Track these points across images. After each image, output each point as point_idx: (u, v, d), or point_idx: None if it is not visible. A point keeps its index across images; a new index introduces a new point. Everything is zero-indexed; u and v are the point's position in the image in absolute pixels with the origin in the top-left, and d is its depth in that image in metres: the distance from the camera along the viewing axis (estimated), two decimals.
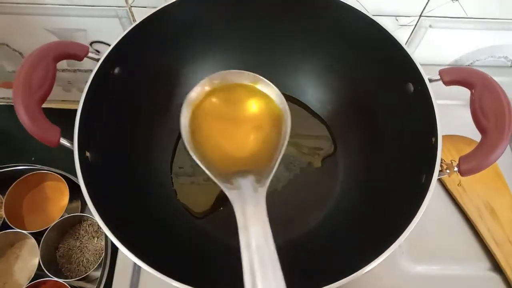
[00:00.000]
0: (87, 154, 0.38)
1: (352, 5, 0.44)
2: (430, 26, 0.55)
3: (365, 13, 0.44)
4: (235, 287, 0.35)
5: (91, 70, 0.41)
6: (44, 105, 0.38)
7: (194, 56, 0.53)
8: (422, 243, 0.50)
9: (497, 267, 0.49)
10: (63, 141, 0.36)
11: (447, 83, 0.39)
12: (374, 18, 0.43)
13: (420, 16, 0.53)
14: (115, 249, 0.54)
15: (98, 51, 0.59)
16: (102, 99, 0.41)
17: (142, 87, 0.48)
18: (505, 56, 0.61)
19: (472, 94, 0.38)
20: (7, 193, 0.58)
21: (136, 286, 0.49)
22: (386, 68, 0.45)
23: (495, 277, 0.49)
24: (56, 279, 0.53)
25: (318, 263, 0.42)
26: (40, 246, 0.54)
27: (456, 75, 0.39)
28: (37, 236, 0.56)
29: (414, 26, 0.55)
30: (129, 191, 0.43)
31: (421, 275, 0.49)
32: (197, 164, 0.38)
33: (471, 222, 0.51)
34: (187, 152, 0.53)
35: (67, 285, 0.53)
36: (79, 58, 0.40)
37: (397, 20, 0.54)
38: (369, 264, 0.34)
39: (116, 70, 0.43)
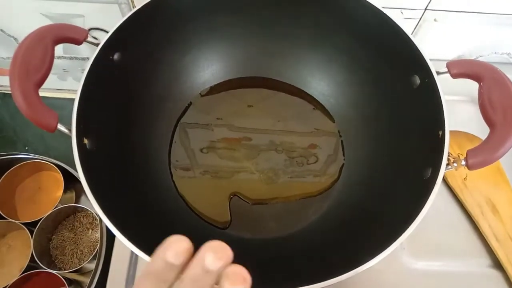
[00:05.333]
0: (85, 140, 0.37)
1: None
2: (435, 20, 0.54)
3: (372, 3, 0.43)
4: None
5: (88, 58, 0.40)
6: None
7: (195, 44, 0.52)
8: (423, 239, 0.49)
9: (497, 263, 0.48)
10: (61, 127, 0.35)
11: (454, 75, 0.39)
12: (382, 9, 0.43)
13: (426, 9, 0.52)
14: (110, 241, 0.53)
15: (96, 39, 0.58)
16: (101, 85, 0.40)
17: (141, 74, 0.47)
18: (508, 53, 0.61)
19: (480, 87, 0.37)
20: None
21: (132, 279, 0.48)
22: (392, 60, 0.45)
23: (496, 274, 0.48)
24: (49, 270, 0.52)
25: (319, 258, 0.41)
26: (33, 237, 0.53)
27: (464, 68, 0.38)
28: (30, 226, 0.55)
29: (419, 19, 0.54)
30: (126, 179, 0.43)
31: (422, 271, 0.48)
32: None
33: (472, 218, 0.51)
34: (182, 145, 0.52)
35: (61, 277, 0.52)
36: (78, 42, 0.39)
37: (402, 13, 0.53)
38: (373, 259, 0.33)
39: (116, 56, 0.42)
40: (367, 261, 0.33)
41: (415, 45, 0.41)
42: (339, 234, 0.44)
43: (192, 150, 0.52)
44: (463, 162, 0.35)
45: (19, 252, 0.57)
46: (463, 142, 0.53)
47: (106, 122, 0.42)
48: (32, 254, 0.52)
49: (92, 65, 0.39)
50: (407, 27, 0.42)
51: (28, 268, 0.52)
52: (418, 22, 0.55)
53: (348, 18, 0.47)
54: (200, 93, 0.55)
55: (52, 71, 0.62)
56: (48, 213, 0.55)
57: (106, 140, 0.41)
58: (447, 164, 0.36)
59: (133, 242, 0.32)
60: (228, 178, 0.51)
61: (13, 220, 0.54)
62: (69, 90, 0.69)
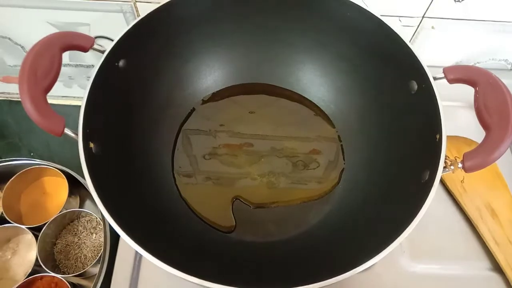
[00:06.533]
0: (91, 145, 0.38)
1: (358, 4, 0.45)
2: (433, 27, 0.55)
3: (370, 11, 0.44)
4: (234, 276, 0.35)
5: (93, 66, 0.41)
6: None
7: (198, 51, 0.53)
8: (423, 242, 0.50)
9: (497, 267, 0.49)
10: (68, 131, 0.36)
11: (451, 81, 0.39)
12: (380, 16, 0.44)
13: (423, 17, 0.54)
14: (113, 246, 0.54)
15: (101, 46, 0.60)
16: (107, 90, 0.41)
17: (145, 80, 0.48)
18: (506, 59, 0.62)
19: (476, 91, 0.38)
20: (5, 187, 0.57)
21: (135, 283, 0.48)
22: (390, 67, 0.46)
23: (495, 277, 0.49)
24: (53, 274, 0.52)
25: (318, 259, 0.42)
26: (38, 241, 0.53)
27: (460, 73, 0.39)
28: (35, 231, 0.55)
29: (416, 27, 0.55)
30: (131, 182, 0.43)
31: (421, 274, 0.49)
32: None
33: (472, 222, 0.51)
34: (185, 151, 0.53)
35: (65, 281, 0.53)
36: (85, 49, 0.40)
37: (400, 20, 0.54)
38: (372, 260, 0.34)
39: (121, 63, 0.43)
40: (366, 261, 0.33)
41: (412, 51, 0.42)
42: (339, 236, 0.45)
43: (194, 157, 0.53)
44: (460, 165, 0.36)
45: (24, 256, 0.57)
46: (462, 146, 0.54)
47: (111, 127, 0.43)
48: (36, 258, 0.53)
49: (98, 71, 0.40)
50: (405, 34, 0.43)
51: (33, 272, 0.53)
52: (416, 29, 0.56)
53: (348, 26, 0.48)
54: (202, 99, 0.56)
55: (58, 78, 0.63)
56: (53, 217, 0.55)
57: (111, 145, 0.42)
58: (444, 167, 0.37)
59: (136, 242, 0.32)
60: (231, 184, 0.51)
61: (18, 225, 0.55)
62: (74, 97, 0.70)
